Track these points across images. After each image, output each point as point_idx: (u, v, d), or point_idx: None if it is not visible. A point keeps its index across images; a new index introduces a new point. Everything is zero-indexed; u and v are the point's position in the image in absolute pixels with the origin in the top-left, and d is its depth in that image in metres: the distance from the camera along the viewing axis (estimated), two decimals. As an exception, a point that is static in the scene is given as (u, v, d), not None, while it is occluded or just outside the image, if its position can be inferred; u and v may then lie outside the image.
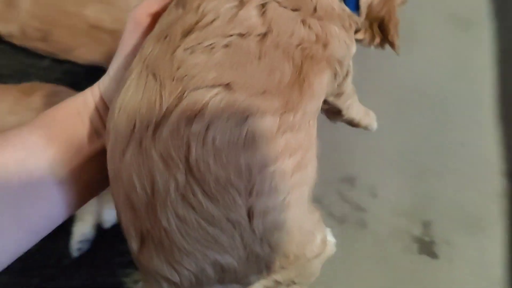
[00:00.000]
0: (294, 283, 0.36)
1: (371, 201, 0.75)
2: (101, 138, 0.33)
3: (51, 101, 0.73)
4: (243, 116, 0.28)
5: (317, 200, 0.74)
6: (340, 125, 0.78)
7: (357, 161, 0.78)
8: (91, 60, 0.79)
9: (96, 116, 0.34)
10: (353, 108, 0.48)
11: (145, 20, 0.34)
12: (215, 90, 0.27)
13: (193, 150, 0.27)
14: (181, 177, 0.28)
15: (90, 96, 0.34)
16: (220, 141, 0.27)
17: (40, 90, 0.72)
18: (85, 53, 0.79)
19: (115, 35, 0.75)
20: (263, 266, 0.32)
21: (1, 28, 0.80)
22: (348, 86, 0.41)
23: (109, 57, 0.75)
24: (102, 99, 0.34)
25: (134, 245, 0.31)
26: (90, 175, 0.34)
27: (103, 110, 0.34)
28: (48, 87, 0.73)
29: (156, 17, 0.33)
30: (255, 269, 0.32)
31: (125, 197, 0.29)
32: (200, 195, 0.28)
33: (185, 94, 0.27)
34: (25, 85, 0.74)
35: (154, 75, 0.28)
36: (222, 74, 0.28)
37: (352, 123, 0.52)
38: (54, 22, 0.76)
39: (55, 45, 0.79)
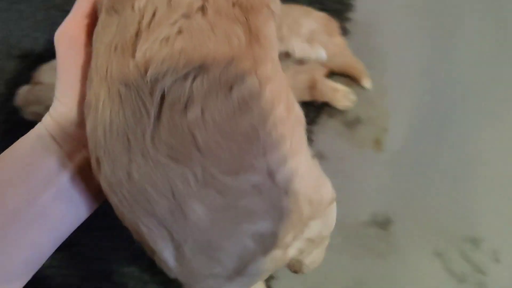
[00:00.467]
0: (323, 237, 0.36)
1: (493, 265, 0.74)
2: (67, 168, 0.32)
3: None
4: (228, 87, 0.28)
5: (438, 253, 0.74)
6: (472, 183, 0.77)
7: (484, 223, 0.77)
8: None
9: (55, 146, 0.32)
10: (298, 46, 0.47)
11: (80, 33, 0.33)
12: (192, 75, 0.27)
13: (198, 137, 0.27)
14: (197, 167, 0.27)
15: (43, 129, 0.33)
16: (219, 117, 0.28)
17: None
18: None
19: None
20: (295, 219, 0.32)
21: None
22: (284, 28, 0.41)
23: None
24: (58, 126, 0.33)
25: (170, 259, 0.30)
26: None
27: (62, 137, 0.33)
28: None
29: (89, 26, 0.33)
30: (290, 225, 0.31)
31: (146, 215, 0.29)
32: (221, 176, 0.28)
33: (166, 91, 0.27)
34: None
35: (126, 86, 0.28)
36: (190, 59, 0.28)
37: (302, 61, 0.50)
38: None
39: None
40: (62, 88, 0.32)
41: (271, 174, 0.29)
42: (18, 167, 0.31)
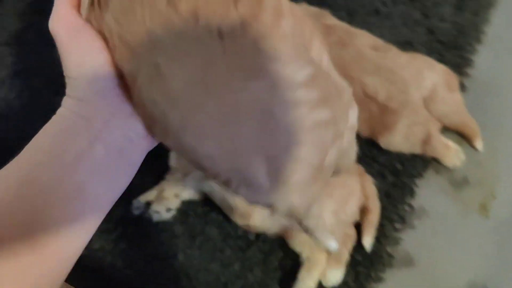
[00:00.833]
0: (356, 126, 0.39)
1: None
2: (99, 141, 0.32)
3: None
4: (260, 2, 0.30)
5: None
6: None
7: None
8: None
9: (82, 122, 0.32)
10: None
11: (75, 14, 0.33)
12: (233, 4, 0.29)
13: (265, 46, 0.29)
14: (272, 76, 0.30)
15: (66, 111, 0.33)
16: (271, 25, 0.30)
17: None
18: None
19: (384, 110, 0.80)
20: (341, 105, 0.35)
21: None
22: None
23: (373, 128, 0.79)
24: (81, 102, 0.32)
25: (264, 181, 0.32)
26: None
27: (88, 112, 0.32)
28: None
29: (80, 4, 0.33)
30: (339, 111, 0.34)
31: (241, 146, 0.31)
32: (291, 75, 0.30)
33: (221, 27, 0.29)
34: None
35: (183, 41, 0.29)
36: None
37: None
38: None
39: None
40: (74, 65, 0.32)
41: (320, 63, 0.33)
42: (47, 149, 0.31)
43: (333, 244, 0.56)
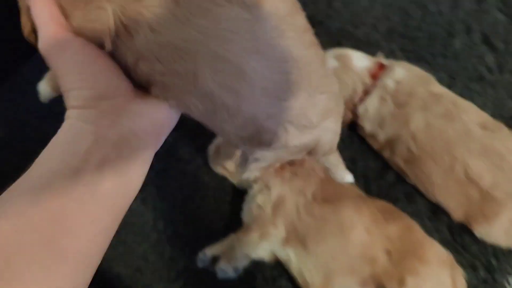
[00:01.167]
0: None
1: None
2: (107, 140, 0.32)
3: (405, 237, 0.73)
4: None
5: None
6: None
7: None
8: (442, 201, 0.78)
9: (89, 127, 0.32)
10: None
11: (63, 32, 0.33)
12: None
13: (275, 7, 0.34)
14: (292, 30, 0.35)
15: (71, 120, 0.33)
16: None
17: (400, 221, 0.72)
18: (441, 195, 0.77)
19: (486, 197, 0.72)
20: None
21: (368, 126, 0.83)
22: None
23: (470, 214, 0.71)
24: (86, 111, 0.33)
25: (312, 116, 0.38)
26: None
27: (94, 117, 0.33)
28: (407, 221, 0.72)
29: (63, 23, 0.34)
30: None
31: (287, 95, 0.35)
32: (303, 23, 0.36)
33: (246, 1, 0.33)
34: (386, 206, 0.75)
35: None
36: None
37: None
38: (431, 152, 0.76)
39: (415, 169, 0.78)
40: (73, 76, 0.33)
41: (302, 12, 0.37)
42: (56, 156, 0.31)
43: (349, 178, 0.62)
